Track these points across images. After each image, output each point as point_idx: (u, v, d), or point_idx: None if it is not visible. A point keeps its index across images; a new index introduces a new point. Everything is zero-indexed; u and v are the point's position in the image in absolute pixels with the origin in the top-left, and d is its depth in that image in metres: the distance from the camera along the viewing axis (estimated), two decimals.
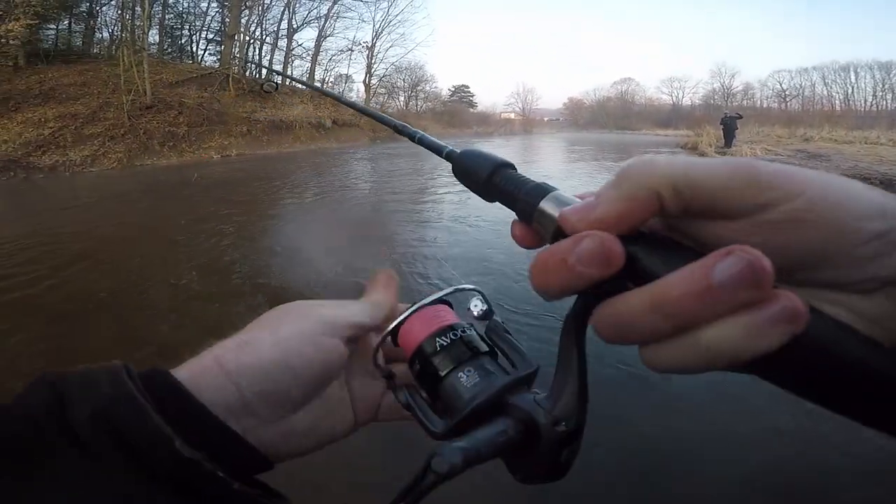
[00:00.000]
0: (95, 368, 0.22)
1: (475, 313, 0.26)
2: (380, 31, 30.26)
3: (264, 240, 4.72)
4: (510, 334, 0.25)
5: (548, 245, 0.19)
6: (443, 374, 0.23)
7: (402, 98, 37.35)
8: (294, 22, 26.63)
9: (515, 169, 0.23)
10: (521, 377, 0.23)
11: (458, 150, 0.27)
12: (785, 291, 0.14)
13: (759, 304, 0.14)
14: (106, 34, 21.17)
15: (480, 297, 0.27)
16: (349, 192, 8.57)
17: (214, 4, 25.05)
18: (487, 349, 0.24)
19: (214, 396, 0.23)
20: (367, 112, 0.52)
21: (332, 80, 30.60)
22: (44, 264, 3.91)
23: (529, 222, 0.21)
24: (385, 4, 31.90)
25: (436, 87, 41.42)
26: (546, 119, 55.21)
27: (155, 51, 22.02)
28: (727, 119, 15.08)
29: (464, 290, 0.27)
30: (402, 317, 0.26)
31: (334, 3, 27.19)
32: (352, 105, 0.58)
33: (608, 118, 46.42)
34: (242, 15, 22.90)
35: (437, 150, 0.30)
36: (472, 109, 46.21)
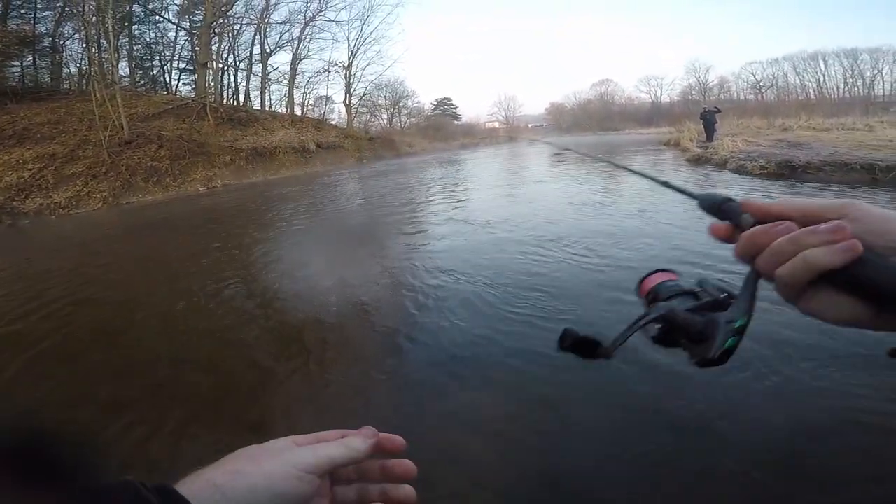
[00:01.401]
0: (115, 485, 0.27)
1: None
2: (355, 49, 30.37)
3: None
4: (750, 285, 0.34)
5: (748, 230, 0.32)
6: (665, 297, 0.37)
7: (384, 116, 37.52)
8: (267, 46, 26.66)
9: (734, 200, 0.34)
10: (715, 301, 0.35)
11: (701, 193, 0.37)
12: (853, 238, 0.27)
13: (841, 237, 0.28)
14: (74, 69, 20.95)
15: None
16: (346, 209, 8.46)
17: (183, 34, 24.99)
18: (695, 293, 0.37)
19: None
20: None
21: (311, 102, 30.66)
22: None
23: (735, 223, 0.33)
24: (358, 23, 32.15)
25: (418, 102, 41.70)
26: (530, 125, 55.75)
27: (127, 83, 21.83)
28: (706, 113, 15.13)
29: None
30: (647, 273, 0.41)
31: (306, 25, 27.29)
32: None
33: (591, 120, 46.87)
34: (213, 42, 22.86)
35: (689, 194, 0.40)
36: (456, 122, 46.60)
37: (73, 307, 3.92)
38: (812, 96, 37.97)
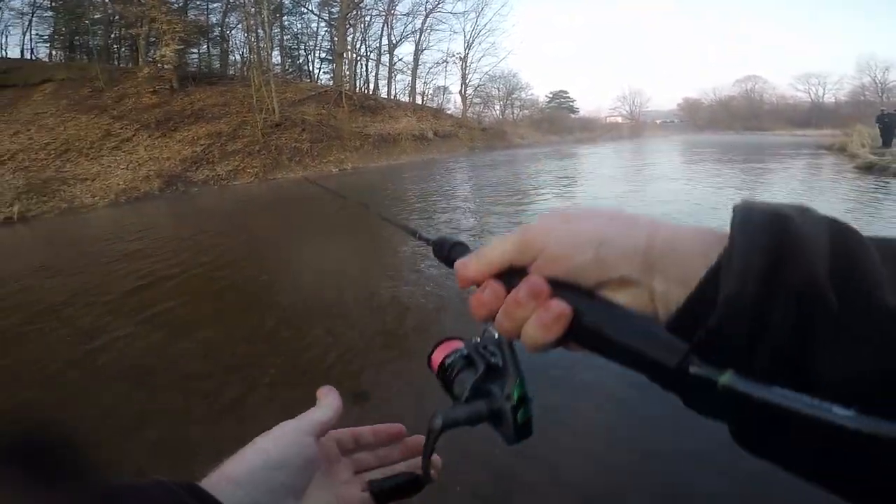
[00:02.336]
0: (149, 484, 0.28)
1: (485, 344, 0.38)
2: (471, 41, 30.38)
3: None
4: (504, 350, 0.35)
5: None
6: (452, 375, 0.36)
7: (497, 107, 37.06)
8: (393, 37, 27.79)
9: (466, 246, 0.34)
10: (491, 368, 0.34)
11: (437, 238, 0.37)
12: (558, 301, 0.24)
13: (543, 308, 0.25)
14: (237, 56, 23.69)
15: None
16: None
17: (323, 24, 27.02)
18: (481, 357, 0.36)
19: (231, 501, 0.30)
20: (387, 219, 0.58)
21: (430, 92, 31.29)
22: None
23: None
24: (473, 15, 31.92)
25: (532, 94, 40.60)
26: (658, 122, 51.28)
27: (279, 70, 24.19)
28: (885, 116, 13.26)
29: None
30: (432, 349, 0.39)
31: (427, 16, 27.87)
32: None
33: (732, 118, 41.56)
34: (348, 33, 24.25)
35: (425, 241, 0.41)
36: (573, 115, 44.42)
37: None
38: None
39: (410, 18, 27.81)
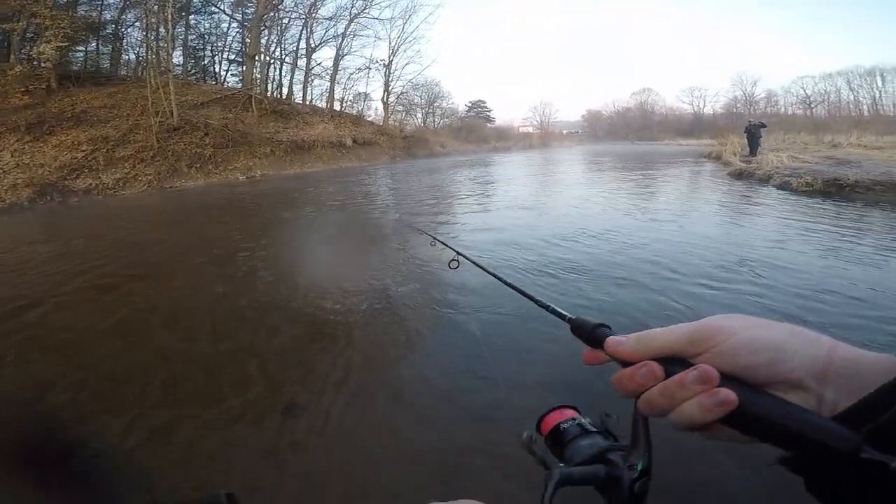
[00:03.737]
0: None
1: (592, 420, 0.41)
2: (396, 48, 30.60)
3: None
4: (639, 424, 0.35)
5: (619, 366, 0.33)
6: (566, 440, 0.39)
7: (419, 115, 37.66)
8: (312, 41, 27.12)
9: (609, 328, 0.35)
10: (616, 445, 0.36)
11: (574, 316, 0.38)
12: (725, 389, 0.27)
13: (710, 394, 0.28)
14: (132, 56, 21.72)
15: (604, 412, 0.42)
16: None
17: (235, 25, 25.68)
18: (596, 430, 0.40)
19: None
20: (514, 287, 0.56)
21: (350, 98, 31.02)
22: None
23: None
24: (400, 22, 32.40)
25: (452, 104, 41.70)
26: (565, 132, 55.03)
27: (180, 72, 22.55)
28: (751, 127, 14.84)
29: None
30: (545, 413, 0.42)
31: (350, 21, 27.64)
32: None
33: (628, 129, 45.96)
34: (262, 35, 23.38)
35: (561, 316, 0.41)
36: (489, 124, 46.34)
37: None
38: (866, 113, 36.07)
39: (333, 23, 27.31)
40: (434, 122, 38.79)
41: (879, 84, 37.45)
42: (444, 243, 1.21)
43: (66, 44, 16.31)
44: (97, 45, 20.70)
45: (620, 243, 4.77)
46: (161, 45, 18.30)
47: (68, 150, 13.51)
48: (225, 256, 5.02)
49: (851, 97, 38.57)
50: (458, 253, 1.07)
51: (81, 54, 19.90)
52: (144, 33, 19.12)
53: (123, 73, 20.60)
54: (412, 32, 31.02)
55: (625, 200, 8.03)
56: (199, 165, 15.44)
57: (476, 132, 38.94)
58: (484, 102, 50.39)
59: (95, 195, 12.57)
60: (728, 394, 0.27)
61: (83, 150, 13.66)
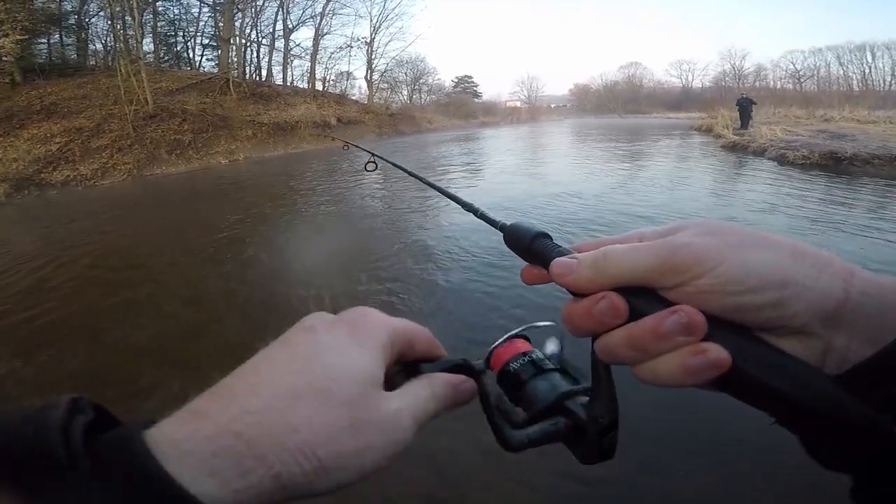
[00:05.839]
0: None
1: (547, 352, 0.34)
2: (378, 25, 29.81)
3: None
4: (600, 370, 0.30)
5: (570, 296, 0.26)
6: (525, 379, 0.31)
7: (405, 92, 36.96)
8: (289, 22, 26.33)
9: (551, 238, 0.30)
10: (575, 389, 0.30)
11: (508, 223, 0.33)
12: (717, 346, 0.20)
13: (696, 352, 0.21)
14: (100, 45, 20.92)
15: (555, 338, 0.35)
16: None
17: (206, 10, 24.75)
18: (554, 367, 0.32)
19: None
20: (439, 189, 0.56)
21: (333, 78, 30.31)
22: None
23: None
24: None
25: (439, 80, 40.94)
26: (553, 106, 54.46)
27: (151, 59, 21.83)
28: (742, 101, 14.95)
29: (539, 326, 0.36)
30: (494, 345, 0.34)
31: (328, 0, 26.82)
32: (431, 185, 0.65)
33: (616, 102, 45.49)
34: (235, 18, 22.59)
35: (492, 223, 0.37)
36: (476, 99, 45.63)
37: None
38: (856, 88, 35.88)
39: (310, 3, 26.55)
40: (421, 98, 38.17)
41: (869, 59, 37.16)
42: (357, 146, 1.32)
43: (26, 37, 15.68)
44: (60, 35, 19.88)
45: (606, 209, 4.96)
46: (129, 33, 17.63)
47: (41, 143, 13.16)
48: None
49: (841, 72, 38.27)
50: (374, 154, 1.09)
51: (44, 46, 19.15)
52: (110, 22, 18.37)
53: (92, 63, 19.88)
54: (394, 9, 30.23)
55: (615, 170, 8.10)
56: (179, 152, 15.12)
57: (463, 108, 38.35)
58: (471, 78, 49.46)
59: (74, 186, 12.32)
60: (719, 353, 0.20)
61: (57, 143, 13.30)
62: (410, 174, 0.69)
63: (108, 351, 2.76)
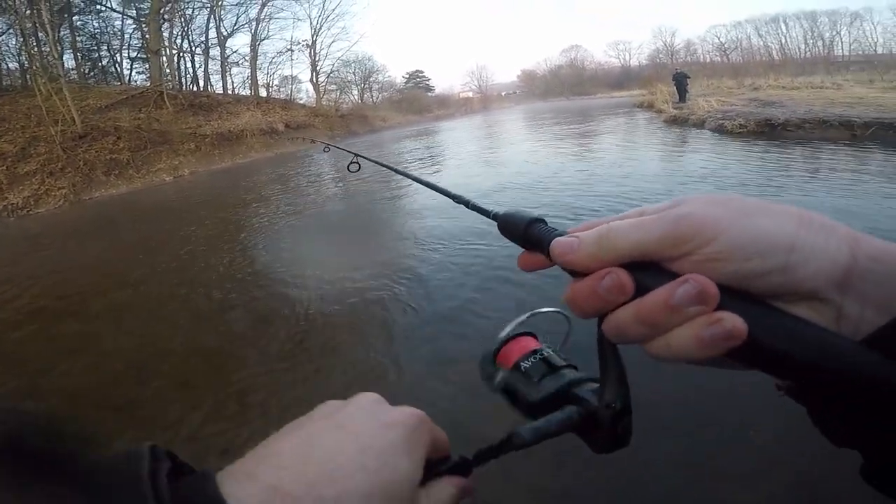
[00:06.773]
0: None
1: (556, 347, 0.34)
2: (318, 27, 29.17)
3: None
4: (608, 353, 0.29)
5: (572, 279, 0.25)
6: (535, 379, 0.31)
7: (355, 92, 36.35)
8: (223, 29, 25.34)
9: (546, 223, 0.30)
10: (583, 377, 0.30)
11: (501, 212, 0.33)
12: (731, 315, 0.20)
13: (711, 322, 0.20)
14: (14, 64, 19.31)
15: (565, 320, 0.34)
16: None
17: (130, 22, 23.38)
18: (565, 362, 0.32)
19: None
20: (427, 184, 0.56)
21: (276, 83, 29.38)
22: None
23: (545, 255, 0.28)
24: (319, 0, 30.73)
25: (389, 77, 40.53)
26: (503, 94, 55.15)
27: (75, 76, 20.41)
28: (678, 75, 15.57)
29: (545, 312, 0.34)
30: (497, 344, 0.33)
31: (263, 5, 25.93)
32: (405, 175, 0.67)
33: (562, 86, 46.62)
34: (163, 28, 21.48)
35: (485, 213, 0.36)
36: (429, 93, 45.52)
37: None
38: (776, 57, 38.44)
39: (243, 8, 25.51)
40: (372, 97, 37.70)
41: (784, 30, 39.88)
42: (341, 148, 1.31)
43: None
44: None
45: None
46: (45, 50, 16.33)
47: None
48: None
49: (761, 43, 40.94)
50: (356, 154, 1.07)
51: None
52: (21, 39, 16.93)
53: (7, 83, 18.28)
54: (334, 9, 29.58)
55: (568, 149, 8.33)
56: (117, 172, 14.22)
57: (417, 102, 38.26)
58: (422, 72, 49.28)
59: (7, 217, 11.37)
60: (735, 320, 0.20)
61: None
62: (398, 172, 0.68)
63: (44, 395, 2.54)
